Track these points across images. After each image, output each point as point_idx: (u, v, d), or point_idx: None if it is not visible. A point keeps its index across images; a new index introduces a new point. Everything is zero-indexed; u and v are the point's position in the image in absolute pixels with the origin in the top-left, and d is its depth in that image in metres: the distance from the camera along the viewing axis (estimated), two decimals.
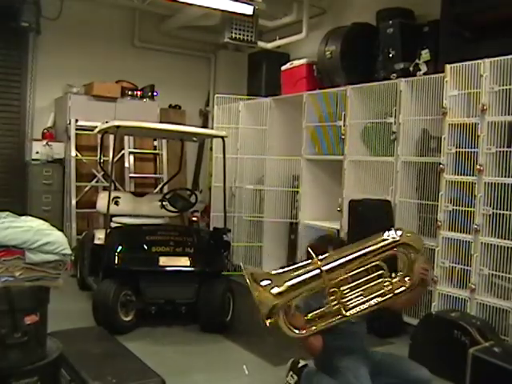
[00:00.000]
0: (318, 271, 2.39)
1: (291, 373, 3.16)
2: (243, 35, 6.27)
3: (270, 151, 6.00)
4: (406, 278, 2.54)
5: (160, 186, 6.78)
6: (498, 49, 3.71)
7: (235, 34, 6.22)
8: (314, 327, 2.50)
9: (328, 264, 2.41)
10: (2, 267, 2.30)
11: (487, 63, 3.76)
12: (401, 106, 4.50)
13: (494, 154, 3.74)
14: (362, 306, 2.52)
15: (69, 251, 2.50)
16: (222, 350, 3.93)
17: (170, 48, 7.53)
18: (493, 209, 3.71)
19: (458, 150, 3.96)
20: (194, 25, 7.01)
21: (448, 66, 4.01)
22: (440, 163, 4.04)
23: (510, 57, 3.63)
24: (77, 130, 6.34)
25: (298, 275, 2.39)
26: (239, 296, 4.59)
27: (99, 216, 5.99)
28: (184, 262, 4.31)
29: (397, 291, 2.54)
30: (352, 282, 2.52)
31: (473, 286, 3.79)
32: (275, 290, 2.32)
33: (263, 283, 2.34)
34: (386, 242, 2.45)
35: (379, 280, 2.54)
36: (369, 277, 2.54)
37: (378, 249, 2.45)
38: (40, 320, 2.37)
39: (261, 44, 6.66)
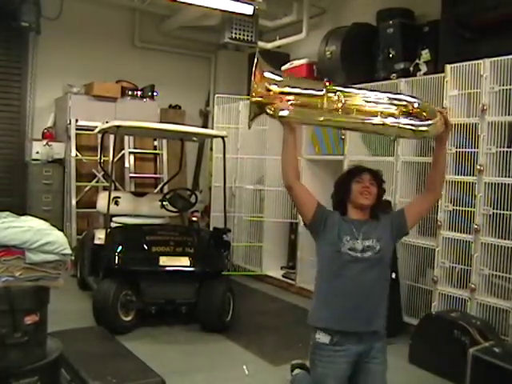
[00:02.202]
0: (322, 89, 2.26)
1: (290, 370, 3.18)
2: (243, 35, 6.28)
3: (269, 151, 6.00)
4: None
5: (160, 186, 6.78)
6: (498, 49, 3.72)
7: (235, 33, 6.23)
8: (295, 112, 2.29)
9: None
10: (2, 267, 2.30)
11: (487, 63, 3.76)
12: None
13: (494, 154, 3.74)
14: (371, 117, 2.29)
15: (69, 251, 2.50)
16: (222, 349, 3.93)
17: (170, 48, 7.53)
18: (493, 209, 3.71)
19: (458, 150, 3.95)
20: (194, 25, 7.01)
21: (448, 66, 4.01)
22: None
23: (510, 57, 3.63)
24: (77, 129, 6.34)
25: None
26: (239, 296, 4.60)
27: (99, 216, 5.99)
28: (184, 261, 4.31)
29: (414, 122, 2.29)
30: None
31: (473, 286, 3.79)
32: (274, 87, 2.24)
33: (268, 74, 2.24)
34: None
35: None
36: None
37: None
38: (40, 320, 2.37)
39: (261, 44, 6.66)
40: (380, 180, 2.55)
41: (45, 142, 6.43)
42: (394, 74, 4.75)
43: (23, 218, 2.56)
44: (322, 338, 2.41)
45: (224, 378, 3.41)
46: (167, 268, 4.26)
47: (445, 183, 3.99)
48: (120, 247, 4.30)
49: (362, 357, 2.42)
